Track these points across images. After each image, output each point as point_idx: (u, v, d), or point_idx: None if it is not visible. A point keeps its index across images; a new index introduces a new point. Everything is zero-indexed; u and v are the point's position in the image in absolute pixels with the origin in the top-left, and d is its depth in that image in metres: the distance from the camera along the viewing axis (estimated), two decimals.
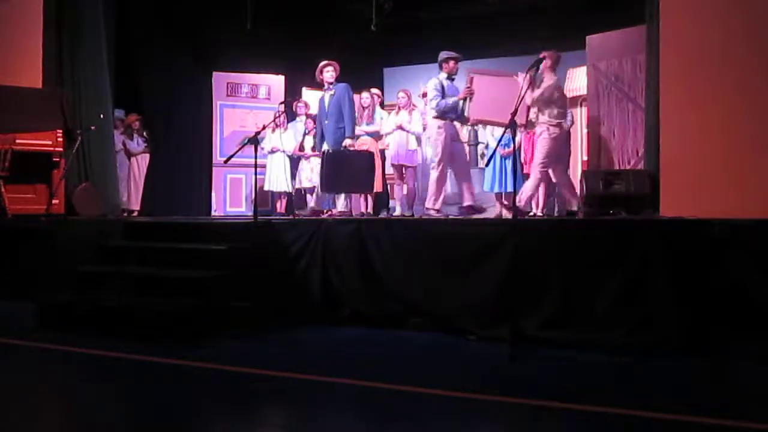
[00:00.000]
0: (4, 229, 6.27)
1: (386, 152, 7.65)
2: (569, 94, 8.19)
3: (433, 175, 6.24)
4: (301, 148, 8.35)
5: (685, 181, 5.08)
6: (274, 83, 9.86)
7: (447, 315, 4.59)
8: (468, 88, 6.19)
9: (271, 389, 3.45)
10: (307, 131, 8.38)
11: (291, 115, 8.70)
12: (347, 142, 6.65)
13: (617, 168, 6.80)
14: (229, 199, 9.55)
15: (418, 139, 7.42)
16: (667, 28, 5.32)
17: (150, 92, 9.16)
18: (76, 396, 3.45)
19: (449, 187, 7.89)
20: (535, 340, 4.14)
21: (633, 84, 6.91)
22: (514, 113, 4.23)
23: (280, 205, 8.64)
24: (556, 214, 7.13)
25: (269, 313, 4.85)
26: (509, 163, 7.24)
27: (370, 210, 7.31)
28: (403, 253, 4.78)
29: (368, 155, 6.73)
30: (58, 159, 7.22)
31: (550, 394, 3.23)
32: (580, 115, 8.22)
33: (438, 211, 6.16)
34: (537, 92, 5.91)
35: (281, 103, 8.15)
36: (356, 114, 7.36)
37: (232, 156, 5.07)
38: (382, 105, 8.03)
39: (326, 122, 6.84)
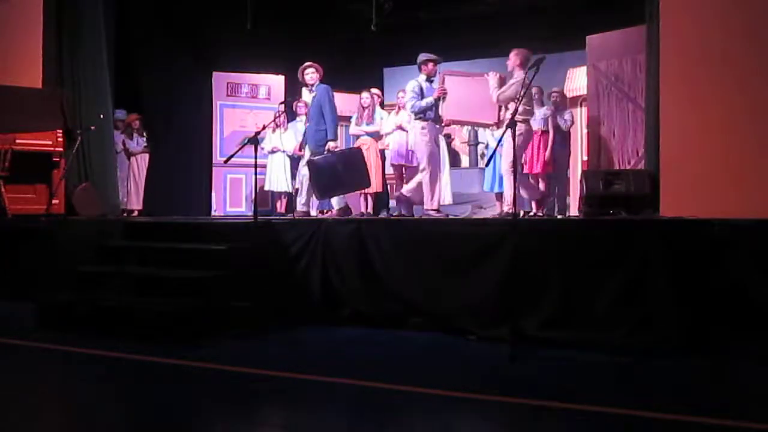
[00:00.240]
0: (4, 229, 6.28)
1: (386, 152, 7.64)
2: (569, 94, 8.20)
3: (425, 177, 6.15)
4: (301, 148, 8.33)
5: (685, 181, 5.08)
6: (274, 83, 9.86)
7: (447, 315, 4.59)
8: (441, 87, 6.14)
9: (271, 389, 3.45)
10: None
11: (291, 115, 8.69)
12: (330, 144, 6.51)
13: (617, 168, 6.80)
14: (229, 199, 9.55)
15: None
16: (667, 28, 5.31)
17: (150, 92, 9.15)
18: (76, 396, 3.45)
19: (452, 187, 7.91)
20: (535, 340, 4.14)
21: (633, 84, 6.91)
22: (515, 113, 4.23)
23: (280, 205, 8.65)
24: (556, 214, 7.13)
25: (269, 313, 4.85)
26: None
27: (370, 210, 7.31)
28: (403, 253, 4.78)
29: (353, 152, 6.60)
30: (58, 159, 7.23)
31: (550, 394, 3.23)
32: (580, 115, 8.22)
33: (438, 210, 6.16)
34: (504, 90, 5.83)
35: (281, 103, 8.13)
36: (356, 115, 7.38)
37: (232, 156, 5.07)
38: (382, 105, 8.02)
39: (308, 125, 6.79)
